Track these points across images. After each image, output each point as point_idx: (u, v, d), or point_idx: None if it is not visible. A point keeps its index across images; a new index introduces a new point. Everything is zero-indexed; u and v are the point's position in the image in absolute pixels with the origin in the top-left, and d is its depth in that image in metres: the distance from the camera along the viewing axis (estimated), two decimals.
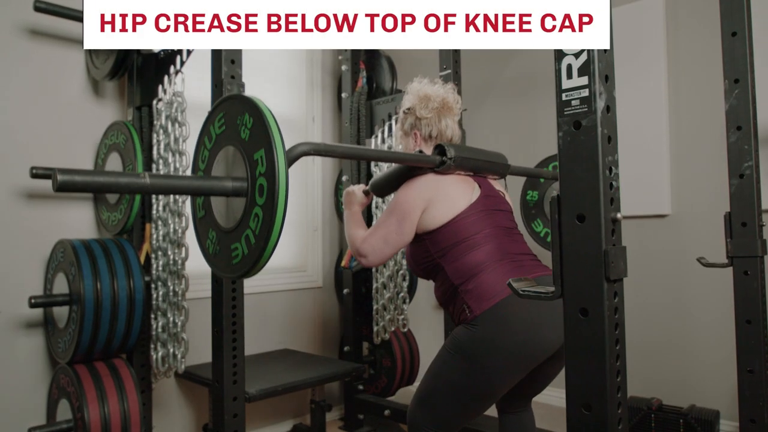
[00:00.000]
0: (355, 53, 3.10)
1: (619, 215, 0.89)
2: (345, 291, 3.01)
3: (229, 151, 1.16)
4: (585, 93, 0.88)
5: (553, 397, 3.50)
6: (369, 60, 3.14)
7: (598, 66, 0.88)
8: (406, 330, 2.81)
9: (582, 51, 0.89)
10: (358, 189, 1.80)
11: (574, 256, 0.89)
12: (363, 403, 2.89)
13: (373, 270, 2.83)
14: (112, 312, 1.91)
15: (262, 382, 2.20)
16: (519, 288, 0.97)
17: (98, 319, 1.88)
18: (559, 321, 1.36)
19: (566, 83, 0.91)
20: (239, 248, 1.11)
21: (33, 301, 1.91)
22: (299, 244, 3.19)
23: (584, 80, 0.88)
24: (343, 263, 2.94)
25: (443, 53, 2.56)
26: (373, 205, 2.81)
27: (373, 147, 2.83)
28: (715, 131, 2.83)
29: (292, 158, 1.20)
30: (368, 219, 2.87)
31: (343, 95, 3.08)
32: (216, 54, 1.69)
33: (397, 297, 2.77)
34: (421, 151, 1.66)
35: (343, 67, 3.10)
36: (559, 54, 0.92)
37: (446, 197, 1.56)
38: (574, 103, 0.90)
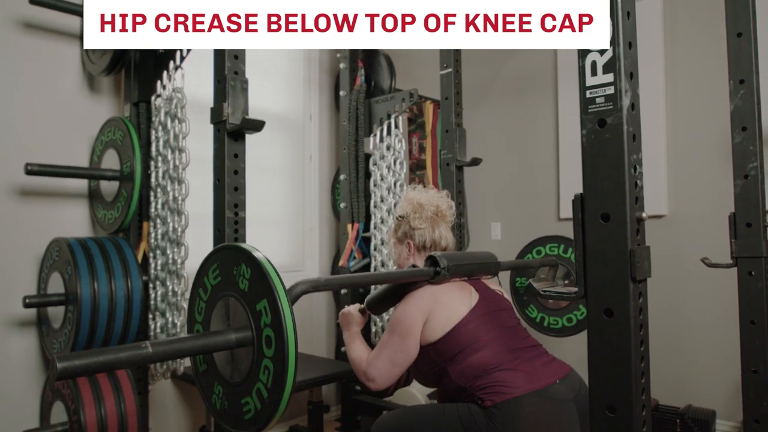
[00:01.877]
0: (354, 51, 3.07)
1: (644, 214, 0.87)
2: (342, 291, 2.98)
3: (228, 301, 1.11)
4: (610, 90, 0.87)
5: None
6: (367, 58, 3.12)
7: (623, 63, 0.86)
8: None
9: (607, 48, 0.87)
10: (354, 309, 1.76)
11: (598, 256, 0.87)
12: (360, 404, 2.86)
13: (372, 270, 2.80)
14: (109, 313, 1.87)
15: None
16: (540, 288, 0.96)
17: (95, 319, 1.84)
18: (573, 425, 1.43)
19: (590, 80, 0.90)
20: (251, 403, 1.06)
21: (27, 301, 1.87)
22: (296, 243, 3.16)
23: (609, 77, 0.87)
24: (341, 262, 2.91)
25: (443, 52, 2.54)
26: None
27: (371, 146, 2.80)
28: (712, 132, 2.85)
29: (293, 299, 1.12)
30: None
31: (341, 93, 3.04)
32: (218, 49, 1.66)
33: None
34: (414, 265, 1.65)
35: (341, 65, 3.07)
36: (583, 51, 0.90)
37: (445, 306, 1.55)
38: (598, 100, 0.88)
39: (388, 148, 2.72)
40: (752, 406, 1.69)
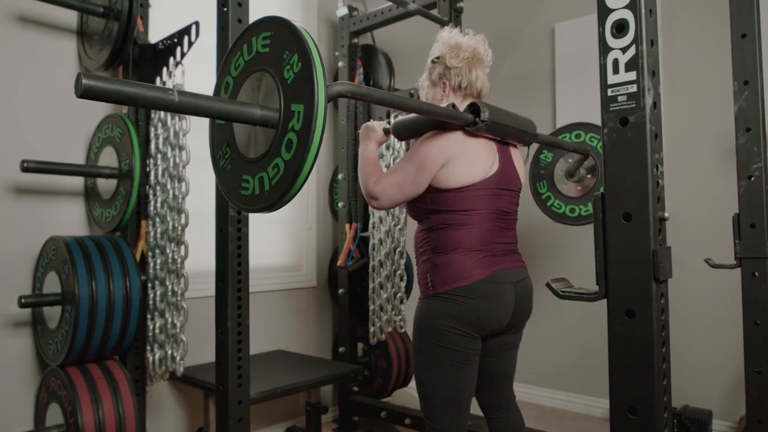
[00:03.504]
0: (353, 49, 3.05)
1: (666, 214, 0.87)
2: (340, 291, 2.96)
3: (267, 79, 1.06)
4: (633, 89, 0.86)
5: (544, 397, 3.51)
6: (366, 57, 3.10)
7: (646, 61, 0.85)
8: (403, 331, 2.78)
9: (630, 45, 0.86)
10: (378, 125, 1.74)
11: (620, 257, 0.86)
12: (358, 404, 2.85)
13: (370, 270, 2.78)
14: (107, 313, 1.83)
15: (259, 385, 2.14)
16: (558, 289, 0.94)
17: (93, 320, 1.81)
18: (508, 307, 1.62)
19: (612, 78, 0.89)
20: (250, 184, 1.07)
21: (23, 300, 1.83)
22: (293, 242, 3.13)
23: (632, 75, 0.86)
24: (339, 262, 2.90)
25: None
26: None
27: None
28: (712, 132, 2.86)
29: (329, 97, 1.07)
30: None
31: None
32: (222, 46, 1.64)
33: (395, 297, 2.73)
34: (453, 105, 1.56)
35: (340, 63, 3.05)
36: (605, 48, 0.89)
37: (467, 162, 1.55)
38: (620, 98, 0.87)
39: (387, 147, 2.70)
40: (755, 407, 1.70)
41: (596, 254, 0.89)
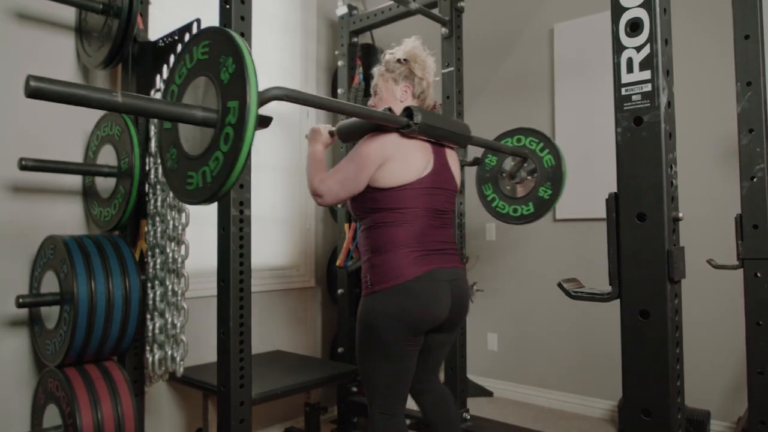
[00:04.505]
0: (352, 49, 3.04)
1: (680, 214, 0.86)
2: (339, 291, 2.95)
3: (206, 82, 1.17)
4: (647, 88, 0.86)
5: (542, 398, 3.51)
6: (366, 56, 3.09)
7: (661, 60, 0.85)
8: None
9: (644, 44, 0.86)
10: (324, 129, 1.89)
11: (634, 257, 0.86)
12: (357, 405, 2.83)
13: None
14: (106, 313, 1.81)
15: (260, 385, 2.12)
16: (570, 289, 0.94)
17: (92, 320, 1.78)
18: (445, 304, 1.69)
19: (626, 77, 0.88)
20: (194, 179, 1.17)
21: (21, 300, 1.80)
22: (291, 242, 3.11)
23: (646, 74, 0.86)
24: (338, 262, 2.88)
25: (445, 51, 2.52)
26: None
27: None
28: (711, 132, 2.87)
29: (263, 101, 1.23)
30: None
31: (339, 91, 3.02)
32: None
33: None
34: (390, 109, 1.71)
35: (339, 63, 3.04)
36: (619, 47, 0.89)
37: (402, 162, 1.68)
38: (635, 98, 0.87)
39: None
40: (757, 408, 1.70)
41: (609, 254, 0.89)
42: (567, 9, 3.43)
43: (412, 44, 1.87)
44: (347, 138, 1.83)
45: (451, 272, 1.74)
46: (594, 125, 3.30)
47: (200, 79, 1.20)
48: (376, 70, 1.90)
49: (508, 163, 2.45)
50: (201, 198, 1.15)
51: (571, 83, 3.41)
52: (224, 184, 1.09)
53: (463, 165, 2.46)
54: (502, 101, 3.78)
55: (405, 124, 1.65)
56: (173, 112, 1.11)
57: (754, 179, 1.72)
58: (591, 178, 3.29)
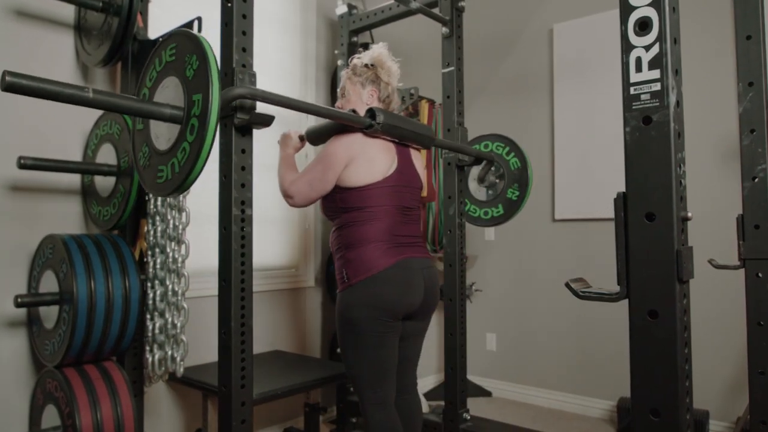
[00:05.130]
0: (352, 48, 3.03)
1: (689, 214, 0.86)
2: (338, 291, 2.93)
3: (173, 81, 1.27)
4: (656, 87, 0.85)
5: (541, 398, 3.51)
6: None
7: (670, 59, 0.85)
8: None
9: (653, 43, 0.86)
10: (294, 134, 1.97)
11: (643, 257, 0.85)
12: (356, 405, 2.82)
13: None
14: (106, 313, 1.80)
15: (259, 386, 2.11)
16: (578, 289, 0.93)
17: (92, 320, 1.77)
18: (418, 290, 1.79)
19: (635, 77, 0.88)
20: (165, 171, 1.26)
21: (19, 300, 1.79)
22: (290, 242, 3.10)
23: (655, 74, 0.85)
24: None
25: (446, 50, 2.52)
26: None
27: None
28: (710, 133, 2.88)
29: (226, 101, 1.33)
30: None
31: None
32: (226, 42, 1.61)
33: None
34: (354, 111, 1.81)
35: (339, 62, 3.03)
36: (628, 46, 0.88)
37: (368, 161, 1.76)
38: (643, 97, 0.86)
39: None
40: (759, 408, 1.70)
41: (617, 254, 0.88)
42: (566, 9, 3.43)
43: (378, 50, 1.95)
44: (316, 141, 1.91)
45: (422, 261, 1.84)
46: (593, 125, 3.31)
47: (168, 80, 1.29)
48: (344, 74, 1.97)
49: (477, 169, 2.56)
50: (171, 188, 1.23)
51: (571, 83, 3.41)
52: (191, 172, 1.17)
53: (463, 166, 2.46)
54: (502, 101, 3.78)
55: (368, 125, 1.74)
56: (143, 109, 1.18)
57: (756, 179, 1.72)
58: (590, 178, 3.30)
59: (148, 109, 1.19)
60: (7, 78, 0.95)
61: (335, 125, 1.81)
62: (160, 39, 1.98)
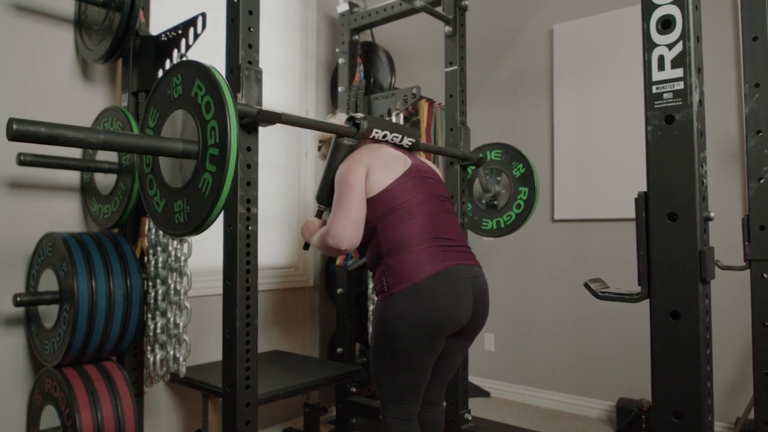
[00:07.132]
0: (353, 47, 3.02)
1: (712, 214, 0.85)
2: (339, 291, 2.92)
3: (183, 114, 1.25)
4: (679, 86, 0.84)
5: (540, 398, 3.51)
6: (366, 54, 3.07)
7: (693, 57, 0.84)
8: None
9: (677, 42, 0.85)
10: (311, 218, 1.94)
11: (665, 257, 0.85)
12: (355, 405, 2.81)
13: (368, 270, 2.75)
14: (107, 312, 1.77)
15: (260, 386, 2.09)
16: (597, 290, 0.92)
17: (93, 319, 1.75)
18: (467, 304, 1.64)
19: (657, 75, 0.87)
20: (181, 206, 1.26)
21: (18, 299, 1.76)
22: (290, 241, 3.08)
23: (678, 72, 0.85)
24: (338, 262, 2.86)
25: (449, 49, 2.51)
26: None
27: None
28: (711, 134, 2.88)
29: (241, 120, 1.37)
30: None
31: (340, 89, 2.99)
32: (232, 38, 1.59)
33: None
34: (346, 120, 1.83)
35: (340, 60, 3.01)
36: (650, 44, 0.87)
37: (381, 165, 1.70)
38: (666, 96, 0.86)
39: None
40: (764, 409, 1.70)
41: (638, 255, 0.87)
42: (566, 10, 3.44)
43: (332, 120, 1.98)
44: (327, 198, 1.83)
45: (470, 269, 1.69)
46: (593, 126, 3.31)
47: (177, 113, 1.28)
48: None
49: (479, 183, 2.56)
50: (193, 225, 1.23)
51: (570, 84, 3.41)
52: (216, 202, 1.16)
53: (465, 165, 2.45)
54: (501, 101, 3.78)
55: (354, 126, 1.77)
56: (155, 145, 1.16)
57: (762, 181, 1.72)
58: (590, 178, 3.30)
59: (160, 146, 1.17)
60: (15, 126, 0.99)
61: (331, 172, 1.78)
62: (163, 36, 1.96)
